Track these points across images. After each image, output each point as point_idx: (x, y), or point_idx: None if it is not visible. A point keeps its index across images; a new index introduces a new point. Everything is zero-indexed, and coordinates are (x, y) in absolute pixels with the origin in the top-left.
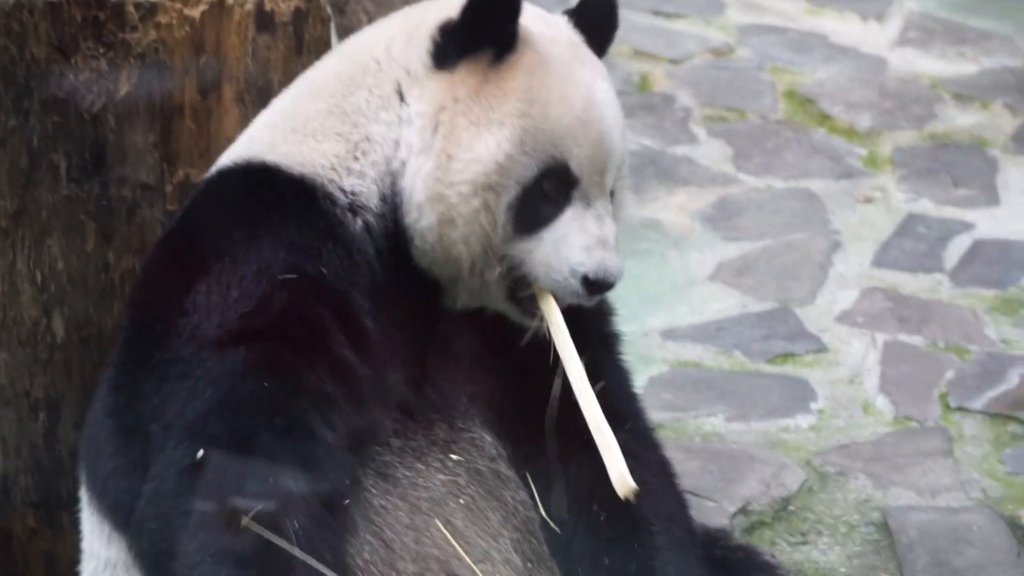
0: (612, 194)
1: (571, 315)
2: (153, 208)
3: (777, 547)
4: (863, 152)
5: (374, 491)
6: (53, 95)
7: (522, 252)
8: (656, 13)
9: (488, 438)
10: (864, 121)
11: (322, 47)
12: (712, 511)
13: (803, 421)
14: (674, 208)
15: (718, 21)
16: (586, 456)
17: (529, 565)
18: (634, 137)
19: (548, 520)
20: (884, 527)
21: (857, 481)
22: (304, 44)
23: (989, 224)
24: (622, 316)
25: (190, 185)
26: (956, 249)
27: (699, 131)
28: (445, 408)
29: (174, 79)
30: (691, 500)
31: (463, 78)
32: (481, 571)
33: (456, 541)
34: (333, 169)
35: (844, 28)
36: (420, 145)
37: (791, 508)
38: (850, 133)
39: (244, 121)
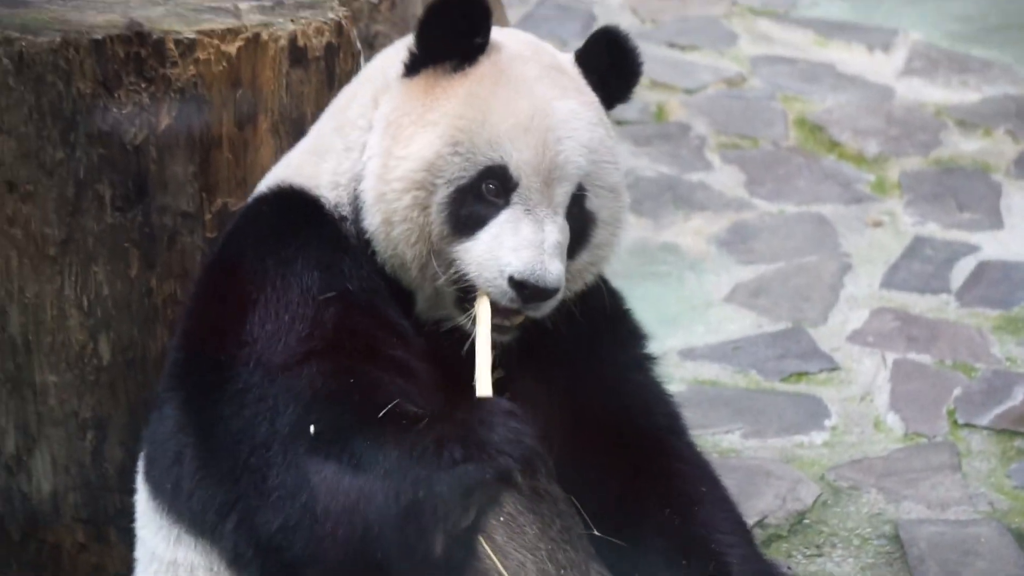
0: (587, 212)
1: (603, 339)
2: (193, 235)
3: (793, 559)
4: (871, 178)
5: None
6: (98, 128)
7: (461, 252)
8: (672, 45)
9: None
10: (872, 148)
11: None
12: None
13: (817, 437)
14: (691, 232)
15: (731, 52)
16: (652, 470)
17: (563, 572)
18: (651, 164)
19: (596, 531)
20: (896, 539)
21: (869, 495)
22: (336, 77)
23: (993, 246)
24: None
25: (228, 213)
26: (962, 271)
27: (714, 158)
28: None
29: (212, 112)
30: None
31: (419, 83)
32: None
33: (495, 555)
34: (327, 185)
35: (851, 58)
36: (375, 147)
37: (806, 521)
38: (859, 159)
39: (279, 152)
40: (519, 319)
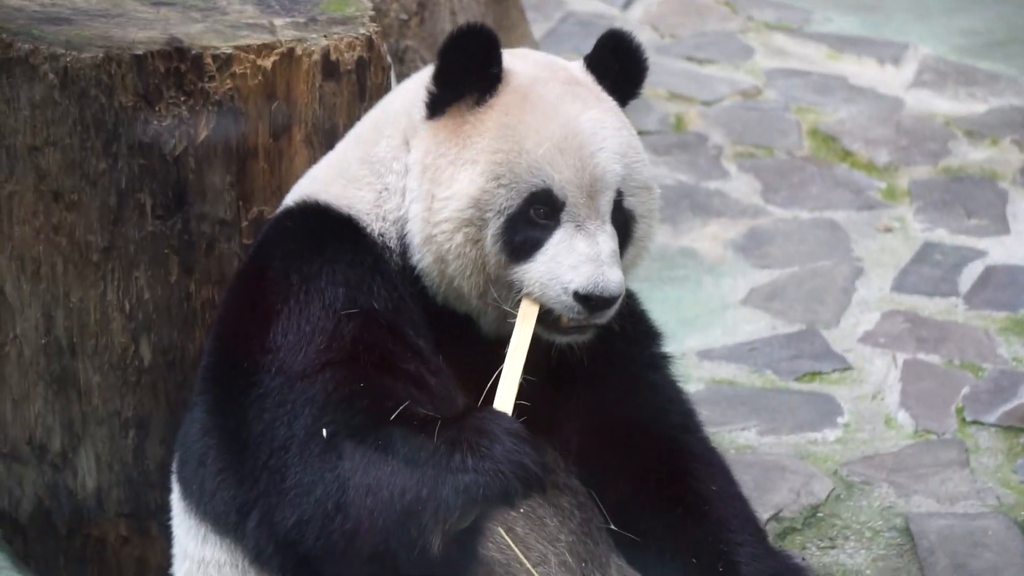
0: (626, 212)
1: (620, 339)
2: (230, 242)
3: (807, 551)
4: (882, 185)
5: None
6: (139, 140)
7: (521, 275)
8: (690, 59)
9: (550, 455)
10: (883, 157)
11: (383, 93)
12: None
13: (830, 434)
14: (708, 238)
15: (746, 66)
16: (666, 468)
17: (583, 564)
18: (670, 173)
19: (613, 526)
20: (906, 532)
21: (881, 490)
22: (367, 90)
23: (1000, 251)
24: None
25: (263, 220)
26: (970, 275)
27: (730, 167)
28: None
29: (248, 124)
30: None
31: (446, 123)
32: (539, 572)
33: (517, 547)
34: (369, 214)
35: (863, 71)
36: (415, 191)
37: (820, 515)
38: (870, 168)
39: (312, 162)
40: (590, 331)
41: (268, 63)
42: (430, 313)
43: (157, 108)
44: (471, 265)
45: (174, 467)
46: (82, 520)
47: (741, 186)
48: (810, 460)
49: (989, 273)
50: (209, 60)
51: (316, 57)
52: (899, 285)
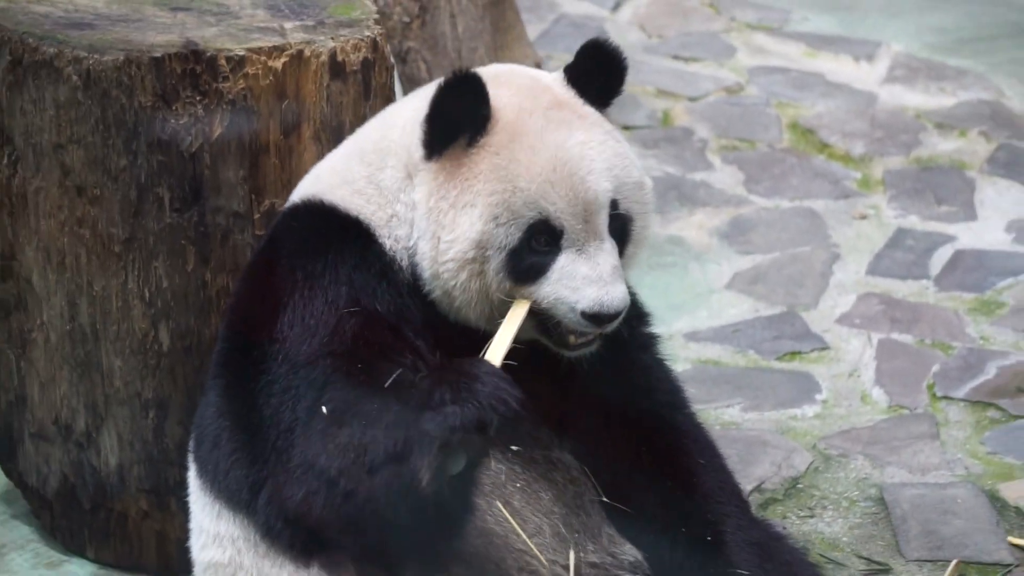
0: (623, 215)
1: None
2: (244, 233)
3: (788, 520)
4: (857, 175)
5: None
6: (157, 137)
7: (528, 296)
8: (676, 58)
9: (544, 432)
10: (858, 148)
11: (387, 92)
12: None
13: (809, 410)
14: (694, 226)
15: (730, 64)
16: (655, 444)
17: (577, 535)
18: (658, 165)
19: (605, 499)
20: (881, 501)
21: (857, 462)
22: (371, 89)
23: (968, 236)
24: None
25: (274, 213)
26: (940, 258)
27: (715, 159)
28: None
29: (260, 121)
30: None
31: (443, 165)
32: (534, 544)
33: (514, 519)
34: (381, 228)
35: (839, 68)
36: (421, 229)
37: (799, 486)
38: (846, 159)
39: (320, 157)
40: (597, 341)
41: (279, 64)
42: (437, 321)
43: (174, 107)
44: (476, 295)
45: (190, 447)
46: (105, 496)
47: (725, 177)
48: (790, 435)
49: (958, 257)
50: (223, 62)
51: (324, 58)
52: (874, 269)
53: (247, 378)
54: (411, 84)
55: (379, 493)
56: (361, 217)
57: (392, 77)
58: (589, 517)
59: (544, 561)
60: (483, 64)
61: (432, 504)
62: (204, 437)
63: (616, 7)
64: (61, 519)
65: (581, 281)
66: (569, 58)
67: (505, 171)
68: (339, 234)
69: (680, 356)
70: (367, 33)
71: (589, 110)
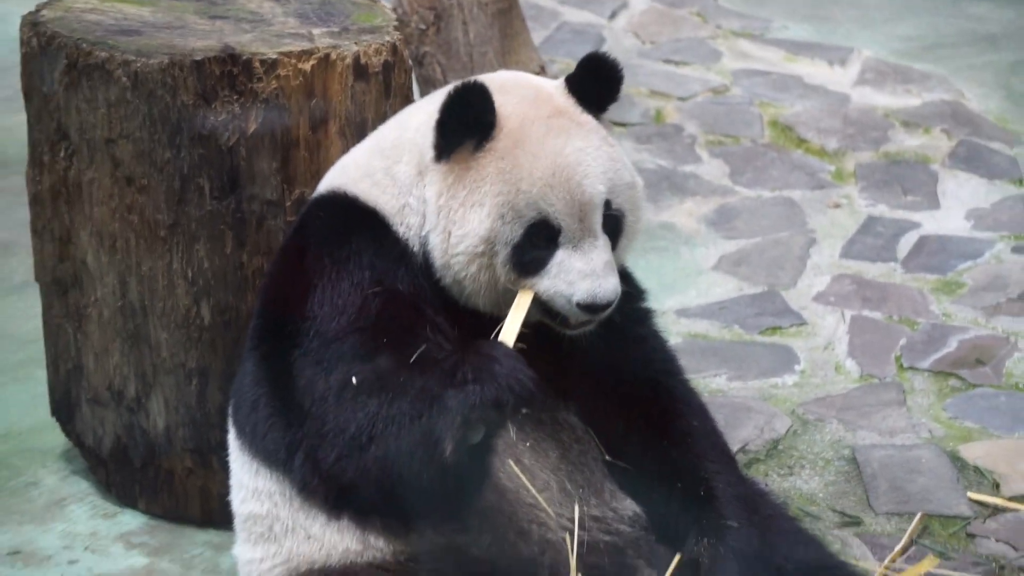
0: (616, 212)
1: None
2: (276, 219)
3: (769, 478)
4: (832, 168)
5: None
6: (198, 132)
7: (530, 287)
8: (667, 61)
9: (551, 397)
10: (832, 144)
11: (406, 91)
12: None
13: (788, 379)
14: (684, 214)
15: (716, 67)
16: (652, 408)
17: (581, 490)
18: (651, 158)
19: (608, 457)
20: (853, 461)
21: (831, 426)
22: (391, 89)
23: (931, 223)
24: None
25: (303, 201)
26: (906, 243)
27: (703, 153)
28: None
29: (291, 118)
30: None
31: (452, 167)
32: (543, 498)
33: (524, 476)
34: (395, 217)
35: (815, 71)
36: (433, 223)
37: (780, 448)
38: (821, 153)
39: (345, 150)
40: (594, 323)
41: (307, 66)
42: (449, 303)
43: (213, 105)
44: (484, 286)
45: (230, 411)
46: (154, 455)
47: (712, 169)
48: (771, 401)
49: (922, 242)
50: (257, 64)
51: (348, 61)
52: (846, 252)
53: (282, 351)
54: (427, 85)
55: (405, 459)
56: (379, 208)
57: (410, 78)
58: (592, 474)
59: (551, 514)
60: (493, 67)
61: (452, 468)
62: (242, 402)
63: (613, 16)
64: (115, 475)
65: (576, 275)
66: (570, 62)
67: (509, 174)
68: (361, 223)
69: (672, 330)
70: (387, 39)
71: (587, 118)
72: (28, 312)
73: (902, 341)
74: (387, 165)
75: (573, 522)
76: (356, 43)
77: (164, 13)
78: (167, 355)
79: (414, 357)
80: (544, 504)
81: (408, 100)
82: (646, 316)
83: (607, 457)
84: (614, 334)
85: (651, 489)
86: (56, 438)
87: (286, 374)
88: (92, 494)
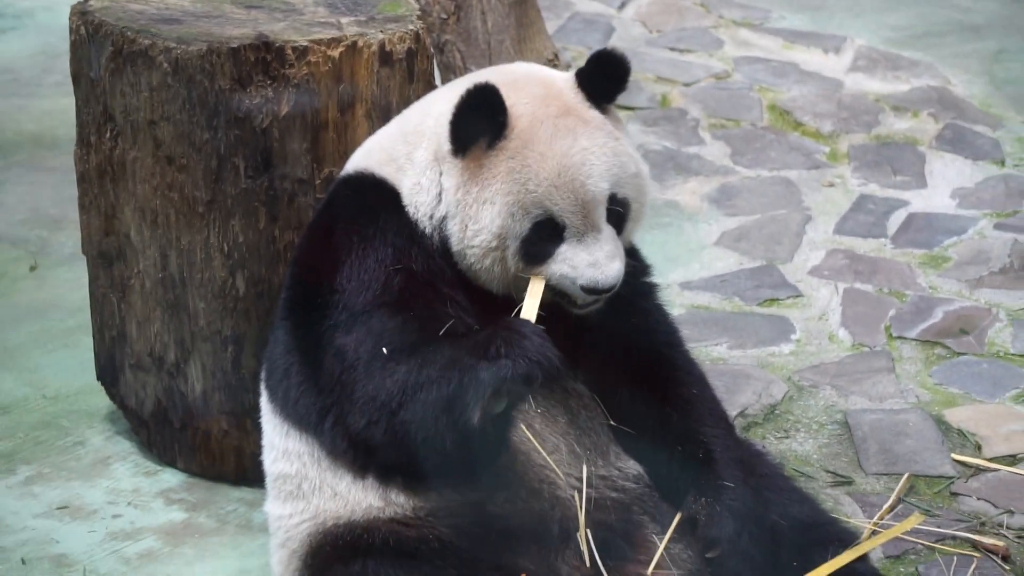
0: (620, 201)
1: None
2: (306, 196)
3: (766, 440)
4: (826, 150)
5: None
6: (234, 115)
7: (539, 274)
8: (672, 49)
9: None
10: (827, 127)
11: (428, 77)
12: None
13: (785, 348)
14: (688, 192)
15: (719, 54)
16: (655, 376)
17: (588, 452)
18: (657, 140)
19: (613, 422)
20: (845, 425)
21: (825, 392)
22: (414, 75)
23: (919, 202)
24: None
25: (332, 179)
26: (896, 220)
27: (706, 135)
28: None
29: (320, 102)
30: None
31: (467, 164)
32: (553, 460)
33: (535, 439)
34: (410, 196)
35: (811, 58)
36: (452, 212)
37: (776, 412)
38: (817, 136)
39: (371, 132)
40: (601, 302)
41: (336, 53)
42: (465, 282)
43: (248, 90)
44: (498, 275)
45: (262, 376)
46: (192, 417)
47: (714, 151)
48: (769, 369)
49: (911, 219)
50: (289, 51)
51: (374, 48)
52: (840, 229)
53: (312, 321)
54: (447, 71)
55: (431, 424)
56: (402, 190)
57: (432, 65)
58: (599, 437)
59: (561, 474)
60: (510, 54)
61: (474, 434)
62: (274, 369)
63: (622, 6)
64: (156, 436)
65: (580, 264)
66: (582, 50)
67: (519, 174)
68: (384, 204)
69: (675, 302)
70: (411, 27)
71: (593, 114)
72: (76, 283)
73: (891, 312)
74: (409, 151)
75: (581, 481)
76: (382, 31)
77: (203, 3)
78: (204, 323)
79: (444, 330)
80: (554, 465)
81: (430, 85)
82: (651, 290)
83: (612, 422)
84: (620, 307)
85: (653, 452)
86: (101, 401)
87: (316, 343)
88: (134, 453)
